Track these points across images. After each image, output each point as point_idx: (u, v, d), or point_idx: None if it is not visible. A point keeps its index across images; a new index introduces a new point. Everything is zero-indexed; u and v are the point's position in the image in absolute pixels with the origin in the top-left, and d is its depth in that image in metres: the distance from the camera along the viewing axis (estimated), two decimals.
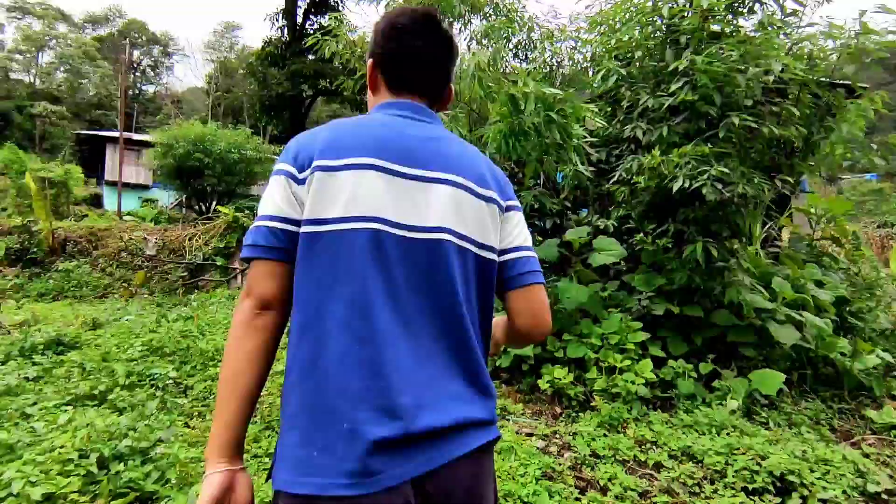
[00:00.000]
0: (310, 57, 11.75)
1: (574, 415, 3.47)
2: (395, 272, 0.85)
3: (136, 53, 64.91)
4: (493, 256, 0.95)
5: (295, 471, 0.80)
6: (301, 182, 0.88)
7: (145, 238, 11.46)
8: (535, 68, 4.55)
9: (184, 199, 20.80)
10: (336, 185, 0.86)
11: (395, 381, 0.82)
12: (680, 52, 3.90)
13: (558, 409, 3.57)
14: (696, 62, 3.42)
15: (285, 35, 11.67)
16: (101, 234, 11.60)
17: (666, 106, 3.78)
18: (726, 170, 3.28)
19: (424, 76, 1.02)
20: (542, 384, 3.63)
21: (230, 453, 0.85)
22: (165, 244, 11.38)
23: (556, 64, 5.79)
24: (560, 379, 3.59)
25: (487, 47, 5.04)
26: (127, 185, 24.83)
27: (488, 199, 0.95)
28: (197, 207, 19.01)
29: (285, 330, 0.93)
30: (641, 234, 4.06)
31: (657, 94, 3.88)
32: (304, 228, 0.86)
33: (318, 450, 0.79)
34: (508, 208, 1.00)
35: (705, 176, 3.30)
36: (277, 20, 11.83)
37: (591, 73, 5.63)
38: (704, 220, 3.88)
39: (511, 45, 5.66)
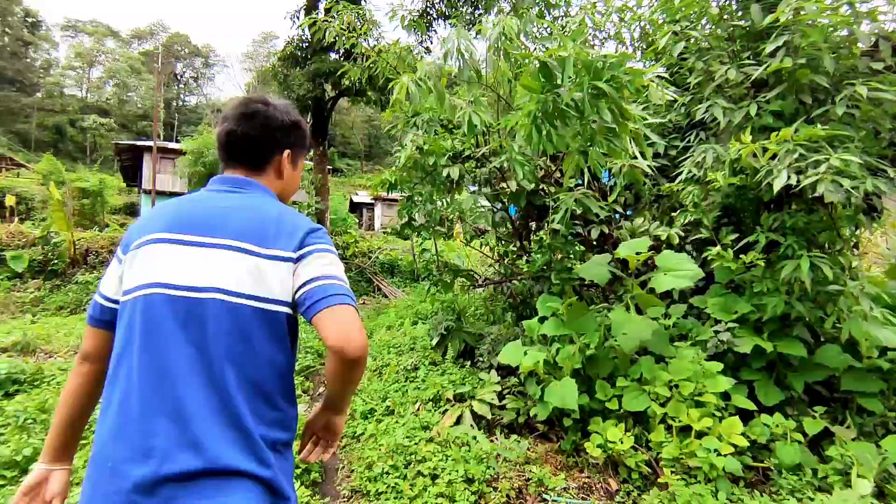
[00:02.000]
0: (332, 55, 11.16)
1: (637, 494, 2.58)
2: (165, 327, 0.97)
3: (178, 66, 67.12)
4: (281, 308, 1.02)
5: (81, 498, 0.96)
6: (121, 262, 1.10)
7: None
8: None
9: None
10: (136, 262, 1.05)
11: (153, 426, 0.92)
12: (768, 7, 2.96)
13: (614, 485, 2.68)
14: (803, 11, 2.48)
15: (307, 33, 11.12)
16: None
17: (753, 78, 2.84)
18: (853, 158, 2.32)
19: (240, 153, 1.20)
20: (592, 448, 2.75)
21: (51, 456, 1.11)
22: None
23: (598, 44, 4.89)
24: (616, 442, 2.70)
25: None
26: (163, 194, 25.14)
27: (272, 258, 1.02)
28: None
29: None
30: (718, 247, 3.12)
31: (741, 63, 2.94)
32: (121, 299, 1.05)
33: (92, 484, 0.95)
34: (301, 256, 1.05)
35: (822, 168, 2.35)
36: (298, 18, 11.31)
37: (639, 54, 4.73)
38: (806, 227, 2.91)
39: (545, 25, 4.81)
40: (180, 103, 67.02)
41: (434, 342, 4.43)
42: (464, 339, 4.51)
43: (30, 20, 57.02)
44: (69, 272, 10.63)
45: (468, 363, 4.17)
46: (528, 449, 2.93)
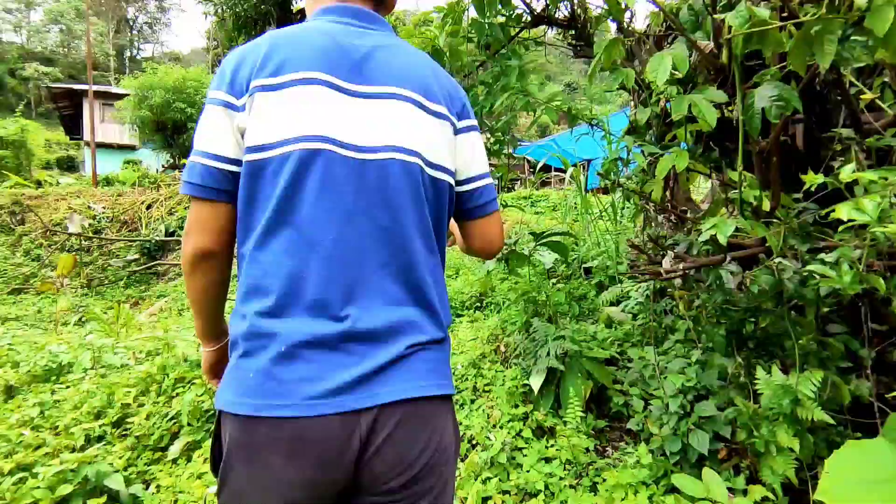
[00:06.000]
0: None
1: None
2: (344, 194, 0.78)
3: (130, 10, 60.97)
4: (446, 177, 0.87)
5: None
6: (240, 109, 0.78)
7: (89, 207, 8.43)
8: None
9: (174, 160, 17.64)
10: (280, 104, 0.76)
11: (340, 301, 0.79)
12: None
13: None
14: None
15: None
16: (32, 203, 8.61)
17: None
18: None
19: None
20: None
21: (214, 339, 0.94)
22: (115, 216, 8.33)
23: None
24: None
25: None
26: (110, 147, 21.73)
27: (438, 115, 0.86)
28: None
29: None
30: None
31: None
32: (248, 157, 0.77)
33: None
34: (461, 130, 0.90)
35: None
36: None
37: None
38: None
39: None
40: (134, 52, 61.31)
41: (535, 383, 2.12)
42: (587, 373, 2.22)
43: None
44: None
45: (603, 423, 1.89)
46: None
